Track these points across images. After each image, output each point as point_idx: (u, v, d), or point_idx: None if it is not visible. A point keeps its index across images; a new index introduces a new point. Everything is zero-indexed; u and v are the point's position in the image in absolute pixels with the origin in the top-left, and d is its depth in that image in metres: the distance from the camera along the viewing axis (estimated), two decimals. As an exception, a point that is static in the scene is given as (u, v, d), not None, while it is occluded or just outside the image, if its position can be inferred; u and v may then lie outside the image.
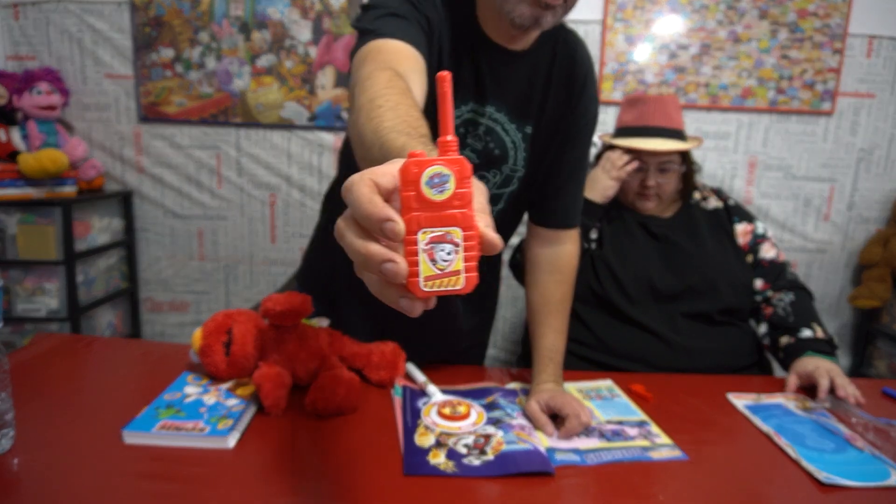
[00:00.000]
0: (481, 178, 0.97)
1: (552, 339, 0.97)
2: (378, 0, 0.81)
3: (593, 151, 1.87)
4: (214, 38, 2.00)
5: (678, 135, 1.31)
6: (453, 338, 1.10)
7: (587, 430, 0.82)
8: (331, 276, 1.07)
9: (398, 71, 0.66)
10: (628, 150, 1.30)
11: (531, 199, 1.03)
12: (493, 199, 0.99)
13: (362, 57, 0.71)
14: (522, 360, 1.32)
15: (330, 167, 2.09)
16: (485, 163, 0.95)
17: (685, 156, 1.33)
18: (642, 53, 1.98)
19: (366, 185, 0.36)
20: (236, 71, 2.02)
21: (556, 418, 0.84)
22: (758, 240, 1.29)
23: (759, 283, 1.26)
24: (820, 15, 1.95)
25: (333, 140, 2.07)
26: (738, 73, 2.00)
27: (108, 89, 2.04)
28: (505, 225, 1.05)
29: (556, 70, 0.93)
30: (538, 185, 1.01)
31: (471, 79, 0.89)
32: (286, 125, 2.06)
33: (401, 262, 0.36)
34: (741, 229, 1.30)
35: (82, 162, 1.98)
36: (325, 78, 2.04)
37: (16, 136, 1.87)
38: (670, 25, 1.96)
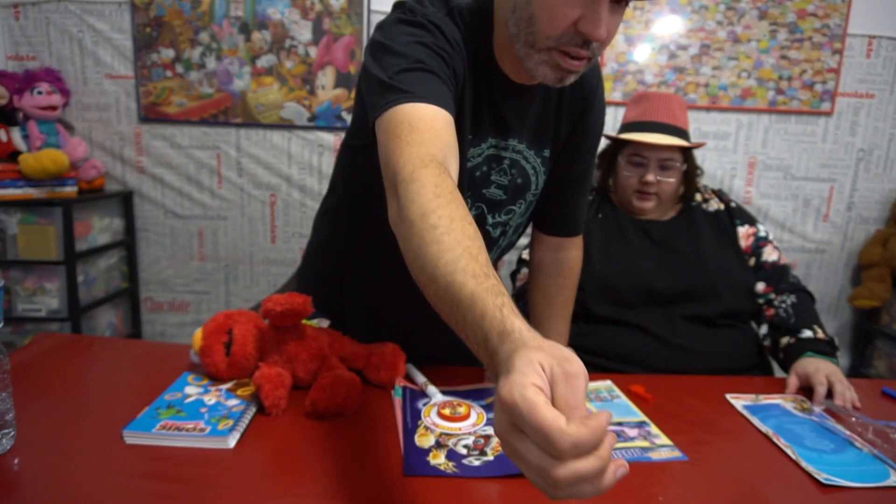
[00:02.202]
0: (509, 212, 0.97)
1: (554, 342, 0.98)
2: (401, 43, 0.73)
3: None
4: (215, 39, 2.00)
5: (681, 133, 1.31)
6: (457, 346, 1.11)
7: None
8: (333, 284, 1.07)
9: (439, 159, 0.62)
10: (629, 143, 1.30)
11: (536, 208, 1.04)
12: (517, 229, 1.01)
13: (394, 128, 0.65)
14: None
15: (330, 167, 2.09)
16: (511, 196, 0.95)
17: (687, 156, 1.32)
18: (642, 53, 1.98)
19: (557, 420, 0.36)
20: (236, 71, 2.02)
21: None
22: (760, 243, 1.29)
23: (760, 287, 1.25)
24: (819, 15, 1.95)
25: (333, 140, 2.08)
26: (738, 73, 2.00)
27: (109, 89, 2.05)
28: (515, 231, 1.07)
29: (566, 90, 0.92)
30: (543, 195, 1.02)
31: (491, 116, 0.88)
32: (286, 125, 2.06)
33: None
34: (743, 232, 1.30)
35: (83, 162, 1.98)
36: (326, 78, 2.04)
37: (16, 136, 1.87)
38: (670, 26, 1.96)
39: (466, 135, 0.85)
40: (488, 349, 0.46)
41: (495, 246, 1.00)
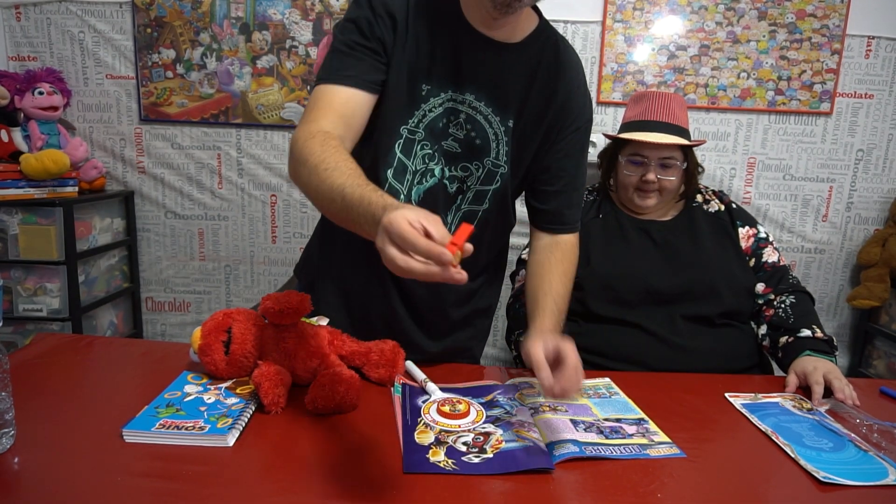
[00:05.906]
0: (465, 168, 0.98)
1: (554, 297, 0.95)
2: (339, 27, 0.91)
3: (594, 151, 1.88)
4: (215, 39, 2.01)
5: (681, 132, 1.31)
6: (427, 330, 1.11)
7: (585, 426, 0.82)
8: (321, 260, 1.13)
9: (326, 129, 0.82)
10: (629, 142, 1.30)
11: (530, 206, 1.06)
12: (478, 198, 1.00)
13: (310, 100, 0.88)
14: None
15: (330, 168, 2.09)
16: (466, 153, 0.96)
17: (688, 154, 1.33)
18: (641, 54, 1.99)
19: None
20: (237, 72, 2.03)
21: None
22: (760, 244, 1.29)
23: (760, 287, 1.25)
24: (818, 16, 1.96)
25: (333, 140, 2.08)
26: (737, 73, 2.00)
27: (110, 90, 2.05)
28: (494, 228, 1.06)
29: (541, 69, 0.94)
30: (534, 193, 1.04)
31: (449, 64, 0.91)
32: (287, 126, 2.06)
33: None
34: (744, 233, 1.30)
35: (84, 162, 1.99)
36: (326, 79, 2.04)
37: (18, 136, 1.87)
38: (669, 26, 1.97)
39: (422, 84, 0.92)
40: (374, 221, 0.62)
41: (453, 206, 1.00)
